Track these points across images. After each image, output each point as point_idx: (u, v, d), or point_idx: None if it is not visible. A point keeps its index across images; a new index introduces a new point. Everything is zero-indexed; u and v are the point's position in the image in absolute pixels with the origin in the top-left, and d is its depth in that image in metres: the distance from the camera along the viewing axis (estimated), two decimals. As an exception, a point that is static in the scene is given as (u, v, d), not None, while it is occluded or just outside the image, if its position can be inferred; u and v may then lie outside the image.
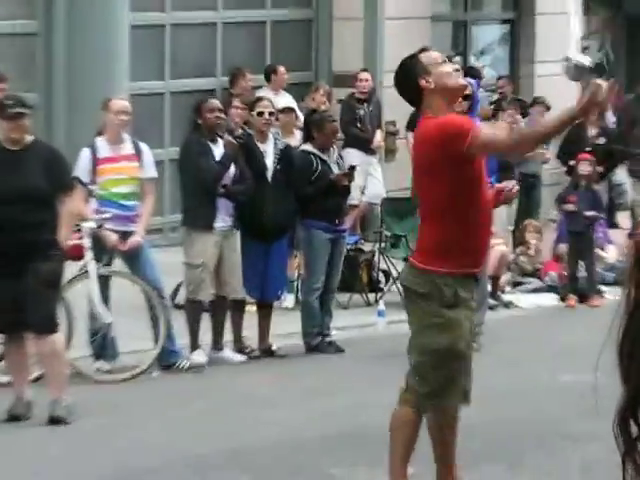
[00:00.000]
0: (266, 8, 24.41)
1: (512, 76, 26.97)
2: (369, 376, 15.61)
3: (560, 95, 25.25)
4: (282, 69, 23.34)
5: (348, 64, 24.29)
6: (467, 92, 17.78)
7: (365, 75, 23.68)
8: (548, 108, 24.49)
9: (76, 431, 13.61)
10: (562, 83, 25.82)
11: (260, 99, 18.46)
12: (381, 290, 20.84)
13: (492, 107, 24.44)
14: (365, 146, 23.31)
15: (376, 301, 20.34)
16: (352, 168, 18.37)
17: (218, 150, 16.60)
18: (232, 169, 16.60)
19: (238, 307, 16.94)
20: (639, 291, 3.26)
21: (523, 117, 24.07)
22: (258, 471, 11.67)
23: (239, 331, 16.96)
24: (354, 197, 20.08)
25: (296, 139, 19.22)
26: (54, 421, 13.63)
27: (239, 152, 16.86)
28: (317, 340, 17.49)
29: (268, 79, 23.49)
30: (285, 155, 17.25)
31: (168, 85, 22.89)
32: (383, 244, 21.21)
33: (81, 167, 15.82)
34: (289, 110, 20.18)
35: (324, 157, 17.60)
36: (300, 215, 17.92)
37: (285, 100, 22.12)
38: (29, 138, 14.09)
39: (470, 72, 25.03)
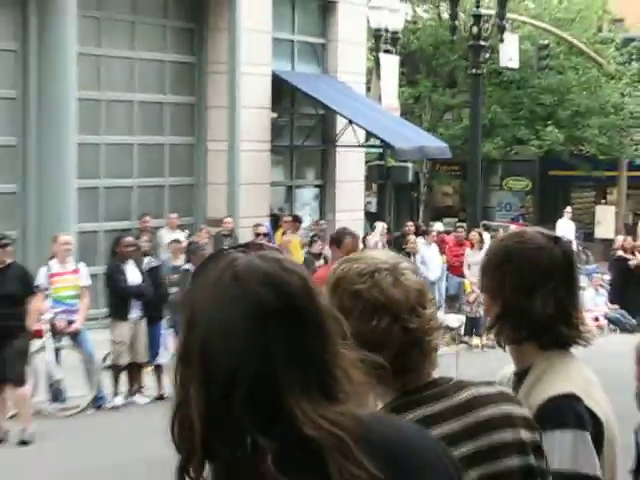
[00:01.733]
0: (165, 176, 24.44)
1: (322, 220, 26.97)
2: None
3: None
4: (173, 215, 23.13)
5: (218, 212, 24.18)
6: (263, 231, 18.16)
7: (229, 219, 23.51)
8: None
9: (36, 449, 13.61)
10: (353, 226, 26.18)
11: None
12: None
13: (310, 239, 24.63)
14: None
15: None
16: None
17: (129, 269, 16.68)
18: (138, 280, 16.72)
19: (141, 367, 17.02)
20: None
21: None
22: None
23: (140, 383, 16.99)
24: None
25: (181, 260, 19.16)
26: (22, 443, 13.71)
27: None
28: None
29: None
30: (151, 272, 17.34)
31: (102, 226, 22.81)
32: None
33: (40, 279, 15.83)
34: (176, 242, 20.17)
35: (199, 273, 17.76)
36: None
37: (176, 235, 22.09)
38: (9, 260, 14.20)
39: (295, 218, 25.36)
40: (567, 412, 3.57)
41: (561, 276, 3.78)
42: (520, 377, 3.78)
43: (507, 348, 3.89)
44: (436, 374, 3.12)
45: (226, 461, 2.26)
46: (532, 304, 3.72)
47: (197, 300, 2.31)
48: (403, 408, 3.01)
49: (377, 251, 3.27)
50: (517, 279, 3.78)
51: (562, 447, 3.51)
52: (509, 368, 3.91)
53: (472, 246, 25.34)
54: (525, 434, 3.08)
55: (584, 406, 3.60)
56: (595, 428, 3.60)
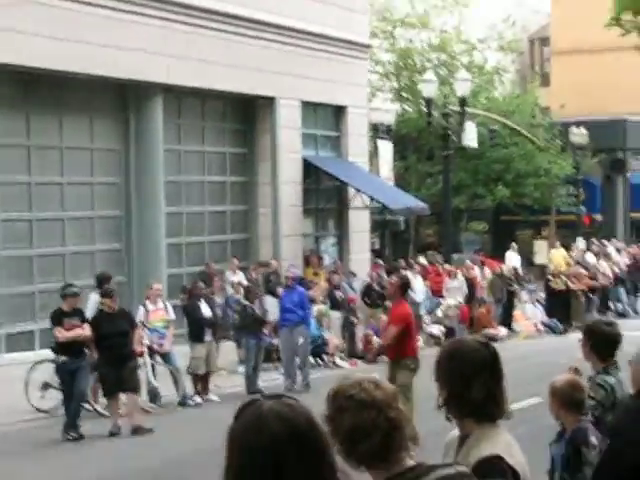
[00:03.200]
0: (227, 233, 24.40)
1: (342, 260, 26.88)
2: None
3: (361, 268, 25.61)
4: (235, 260, 22.97)
5: (266, 257, 24.07)
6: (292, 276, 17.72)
7: (273, 262, 23.23)
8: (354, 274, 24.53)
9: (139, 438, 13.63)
10: (362, 263, 26.21)
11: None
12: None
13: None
14: (274, 294, 20.83)
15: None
16: (264, 312, 18.21)
17: (202, 305, 16.62)
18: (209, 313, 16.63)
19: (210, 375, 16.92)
20: None
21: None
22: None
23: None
24: (269, 318, 19.51)
25: (241, 295, 19.01)
26: (134, 432, 13.64)
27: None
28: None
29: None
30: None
31: (186, 270, 22.75)
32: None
33: (140, 315, 15.85)
34: (239, 283, 20.06)
35: (253, 306, 17.45)
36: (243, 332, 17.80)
37: (238, 276, 21.96)
38: (117, 307, 14.24)
39: (320, 258, 25.23)
40: (493, 469, 3.61)
41: (489, 370, 3.81)
42: (462, 440, 3.86)
43: (453, 421, 3.91)
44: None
45: None
46: (469, 391, 3.73)
47: (234, 430, 2.43)
48: None
49: (359, 373, 3.36)
50: (458, 373, 3.81)
51: None
52: (456, 432, 3.95)
53: (449, 276, 25.24)
54: None
55: (506, 463, 3.64)
56: (514, 477, 3.64)
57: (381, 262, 26.31)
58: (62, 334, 13.53)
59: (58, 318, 13.62)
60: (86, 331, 13.63)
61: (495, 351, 3.89)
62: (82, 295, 14.60)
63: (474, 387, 3.77)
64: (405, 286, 12.81)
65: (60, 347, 13.63)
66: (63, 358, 13.46)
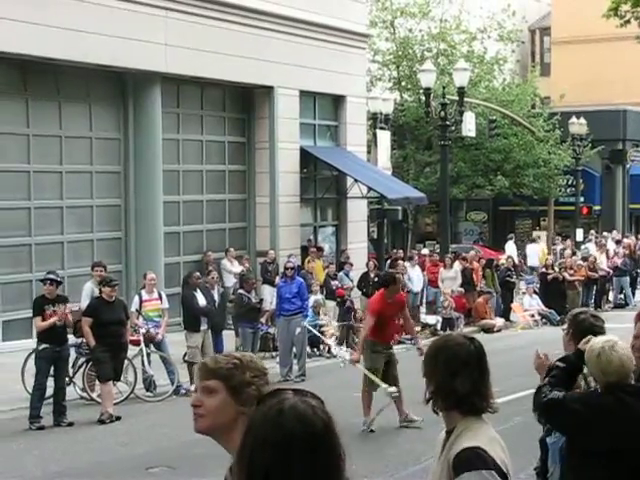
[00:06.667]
0: (225, 222, 24.42)
1: (338, 249, 26.97)
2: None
3: (358, 257, 25.63)
4: (232, 249, 23.12)
5: (264, 246, 24.15)
6: (291, 266, 17.58)
7: (271, 252, 23.37)
8: (351, 264, 24.49)
9: (135, 423, 13.61)
10: (359, 252, 26.24)
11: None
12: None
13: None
14: (272, 283, 21.93)
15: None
16: (260, 301, 18.33)
17: (198, 295, 16.63)
18: (204, 303, 16.65)
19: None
20: None
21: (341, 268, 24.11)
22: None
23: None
24: (267, 307, 19.84)
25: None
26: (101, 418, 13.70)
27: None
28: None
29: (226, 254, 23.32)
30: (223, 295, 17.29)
31: (181, 259, 22.82)
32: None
33: (135, 304, 15.94)
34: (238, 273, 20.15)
35: (249, 295, 17.55)
36: (239, 320, 17.88)
37: (236, 264, 22.05)
38: (116, 296, 14.31)
39: (319, 248, 25.28)
40: (475, 458, 3.62)
41: (475, 364, 3.84)
42: (448, 434, 3.87)
43: (440, 413, 3.95)
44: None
45: None
46: (455, 384, 3.78)
47: (253, 420, 2.46)
48: None
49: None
50: (444, 367, 3.84)
51: None
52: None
53: (445, 266, 25.19)
54: None
55: (488, 455, 3.65)
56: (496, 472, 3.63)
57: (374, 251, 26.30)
58: (39, 324, 13.41)
59: (40, 307, 13.47)
60: (61, 317, 13.37)
61: (481, 346, 3.92)
62: (77, 283, 14.63)
63: (459, 380, 3.79)
64: (386, 282, 12.91)
65: (39, 335, 13.50)
66: (44, 345, 13.33)
